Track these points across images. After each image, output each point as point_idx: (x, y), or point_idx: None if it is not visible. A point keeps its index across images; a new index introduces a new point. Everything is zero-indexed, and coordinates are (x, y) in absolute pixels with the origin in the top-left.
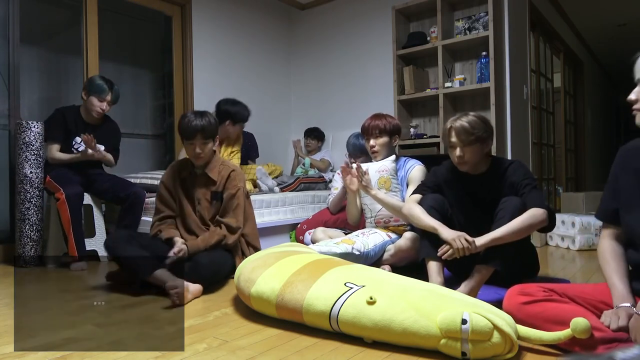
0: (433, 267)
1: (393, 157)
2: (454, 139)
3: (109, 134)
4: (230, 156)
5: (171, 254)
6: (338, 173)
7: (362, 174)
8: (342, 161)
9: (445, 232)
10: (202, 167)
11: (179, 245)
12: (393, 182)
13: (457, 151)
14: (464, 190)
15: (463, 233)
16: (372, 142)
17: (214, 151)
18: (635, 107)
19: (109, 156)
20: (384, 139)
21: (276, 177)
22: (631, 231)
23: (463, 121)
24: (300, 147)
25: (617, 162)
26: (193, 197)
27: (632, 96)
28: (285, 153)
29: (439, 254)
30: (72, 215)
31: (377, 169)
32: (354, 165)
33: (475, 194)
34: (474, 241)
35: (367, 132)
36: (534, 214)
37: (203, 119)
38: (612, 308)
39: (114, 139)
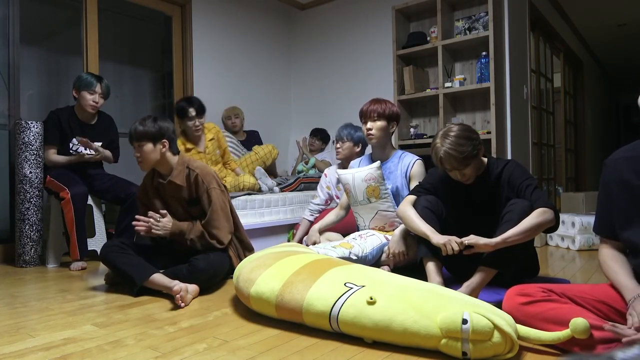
0: (431, 267)
1: (378, 163)
2: (448, 166)
3: (105, 129)
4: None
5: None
6: (326, 176)
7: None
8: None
9: (436, 237)
10: (166, 175)
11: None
12: (382, 190)
13: (457, 174)
14: (460, 191)
15: (453, 237)
16: (369, 124)
17: (178, 152)
18: None
19: (108, 153)
20: (381, 123)
21: (272, 174)
22: (632, 246)
23: (447, 147)
24: (306, 146)
25: (605, 176)
26: (170, 206)
27: None
28: (286, 153)
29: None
30: (76, 215)
31: (364, 177)
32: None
33: (471, 195)
34: (462, 242)
35: (365, 115)
36: (543, 213)
37: (140, 123)
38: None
39: (110, 133)
